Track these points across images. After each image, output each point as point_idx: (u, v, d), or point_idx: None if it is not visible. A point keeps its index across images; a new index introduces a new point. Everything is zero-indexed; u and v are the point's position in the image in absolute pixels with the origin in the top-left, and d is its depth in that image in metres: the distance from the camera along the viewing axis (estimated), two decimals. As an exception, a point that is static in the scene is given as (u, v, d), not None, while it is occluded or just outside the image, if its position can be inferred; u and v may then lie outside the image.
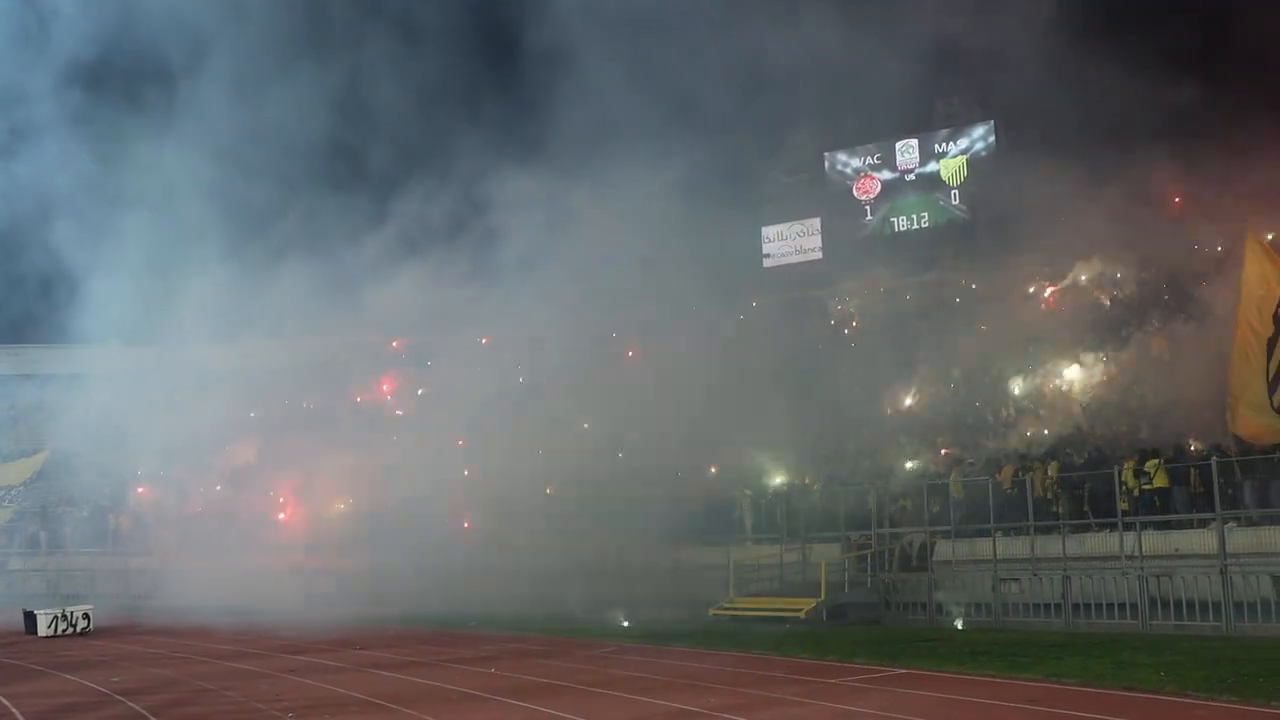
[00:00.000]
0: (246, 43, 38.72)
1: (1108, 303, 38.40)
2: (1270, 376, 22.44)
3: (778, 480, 32.79)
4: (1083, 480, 25.97)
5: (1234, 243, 30.89)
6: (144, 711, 16.54)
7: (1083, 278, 41.21)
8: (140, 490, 48.33)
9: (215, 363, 58.87)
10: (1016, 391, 34.38)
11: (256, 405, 52.37)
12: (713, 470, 34.37)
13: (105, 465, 51.20)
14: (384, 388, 51.13)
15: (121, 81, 39.66)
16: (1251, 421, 23.04)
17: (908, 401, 36.51)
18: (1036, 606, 24.63)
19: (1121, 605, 23.30)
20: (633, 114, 35.68)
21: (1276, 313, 22.53)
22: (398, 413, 45.79)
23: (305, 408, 50.77)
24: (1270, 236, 34.38)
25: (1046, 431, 31.33)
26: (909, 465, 31.59)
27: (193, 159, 39.45)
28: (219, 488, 45.44)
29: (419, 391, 48.78)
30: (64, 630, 29.79)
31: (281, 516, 40.76)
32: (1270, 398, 22.53)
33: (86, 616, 30.48)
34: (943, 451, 31.75)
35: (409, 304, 41.49)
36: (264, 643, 25.93)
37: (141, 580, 43.05)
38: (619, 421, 35.70)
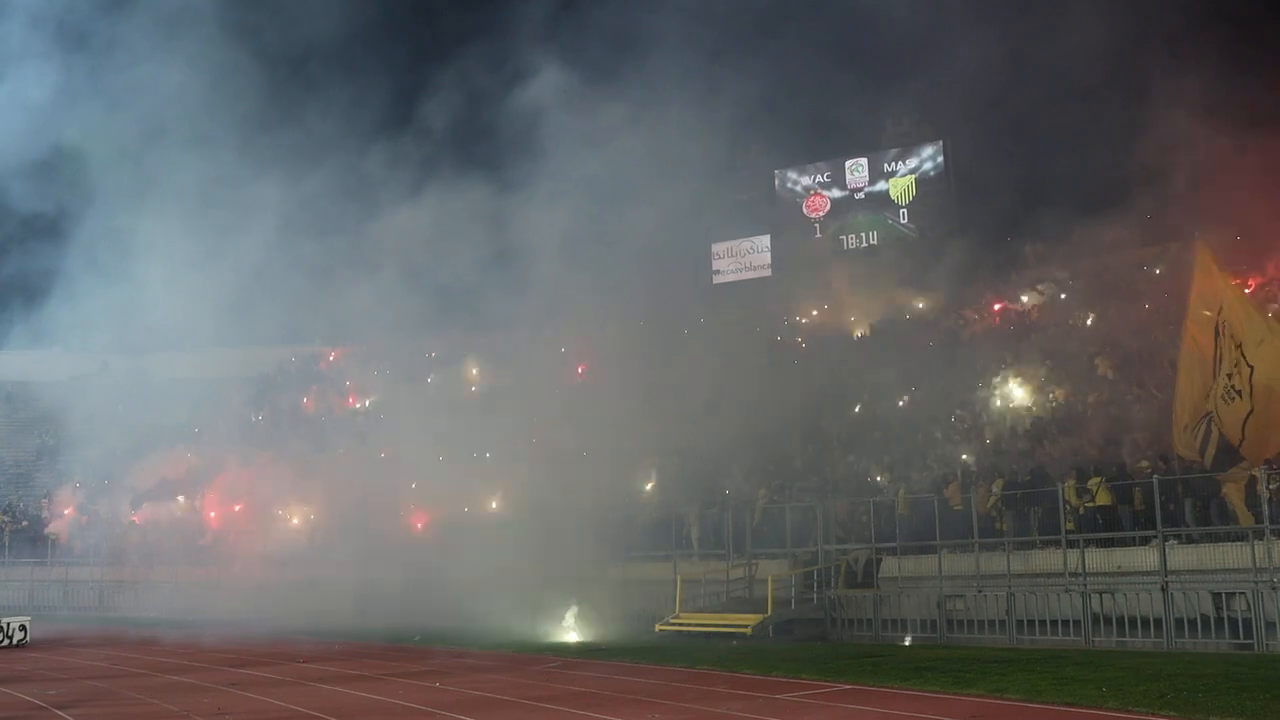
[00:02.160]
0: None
1: (1052, 322, 38.77)
2: (1209, 391, 22.54)
3: (726, 493, 32.80)
4: (1027, 498, 26.14)
5: (1177, 260, 31.32)
6: (80, 725, 16.30)
7: (1026, 298, 41.69)
8: (80, 501, 47.75)
9: (162, 372, 58.57)
10: (962, 409, 34.57)
11: (202, 415, 52.04)
12: (651, 486, 34.48)
13: (44, 474, 50.63)
14: (351, 400, 50.87)
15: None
16: (1191, 441, 23.27)
17: (855, 417, 36.67)
18: (981, 623, 24.81)
19: (1065, 622, 23.52)
20: (580, 125, 35.75)
21: (1218, 325, 22.66)
22: (348, 423, 45.53)
23: (254, 419, 50.50)
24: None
25: (988, 443, 31.63)
26: (858, 482, 31.68)
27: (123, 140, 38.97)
28: (161, 499, 44.97)
29: (365, 403, 48.62)
30: (0, 642, 29.30)
31: (224, 527, 40.37)
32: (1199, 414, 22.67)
33: (24, 628, 29.97)
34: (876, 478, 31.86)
35: (358, 313, 41.33)
36: (206, 656, 25.63)
37: (82, 592, 42.56)
38: (568, 434, 35.68)
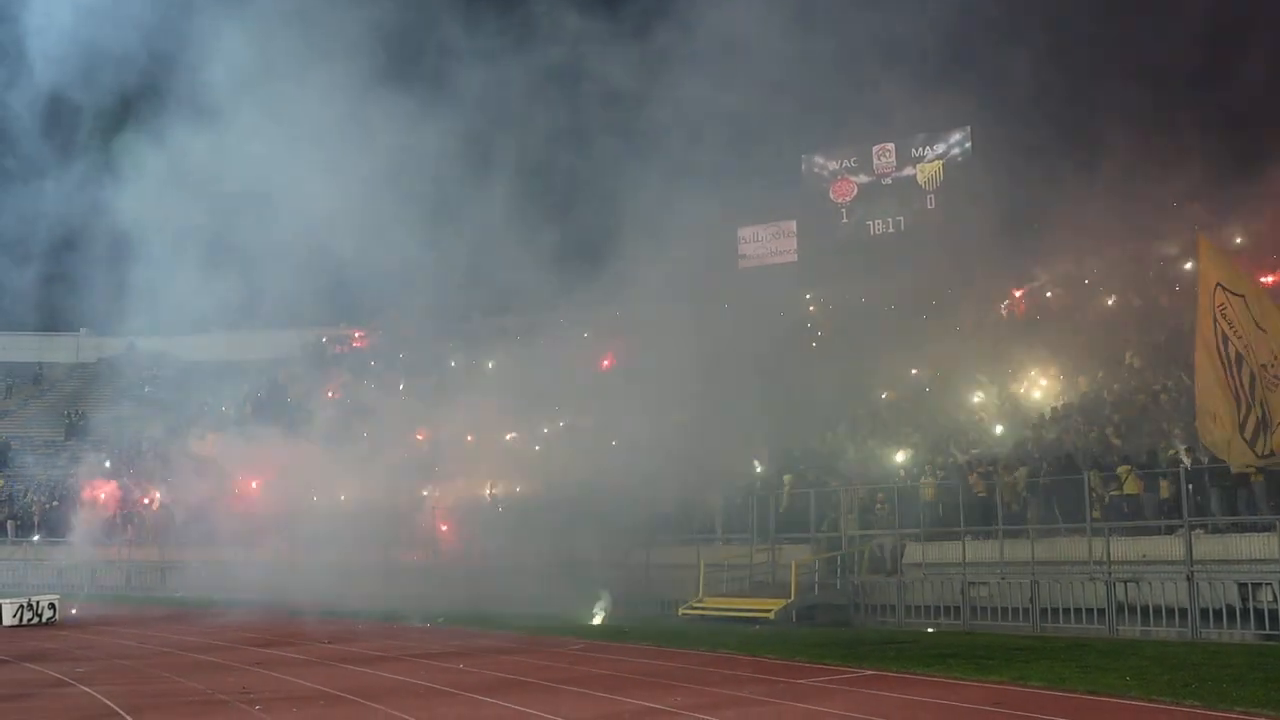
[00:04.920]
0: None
1: (1079, 309, 38.58)
2: (1239, 387, 22.22)
3: (751, 477, 32.75)
4: (1052, 485, 26.02)
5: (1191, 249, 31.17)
6: (108, 701, 16.42)
7: (1052, 284, 41.48)
8: (109, 482, 48.09)
9: (188, 354, 58.93)
10: (988, 396, 34.45)
11: (228, 397, 52.30)
12: (685, 470, 34.42)
13: (73, 455, 50.94)
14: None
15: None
16: (1213, 433, 22.95)
17: (880, 403, 36.59)
18: (1005, 610, 24.76)
19: (1089, 610, 23.45)
20: (607, 108, 35.77)
21: (1227, 315, 22.41)
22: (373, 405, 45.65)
23: (284, 400, 50.71)
24: (1239, 240, 34.74)
25: (1000, 430, 31.53)
26: (881, 467, 31.57)
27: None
28: (189, 480, 45.21)
29: (399, 386, 48.67)
30: (29, 620, 29.56)
31: (251, 509, 40.55)
32: (1238, 415, 22.23)
33: (53, 607, 30.25)
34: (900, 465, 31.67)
35: (381, 295, 41.41)
36: (231, 635, 25.80)
37: (110, 572, 42.88)
38: (594, 419, 35.74)
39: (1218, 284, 22.31)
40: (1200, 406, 22.78)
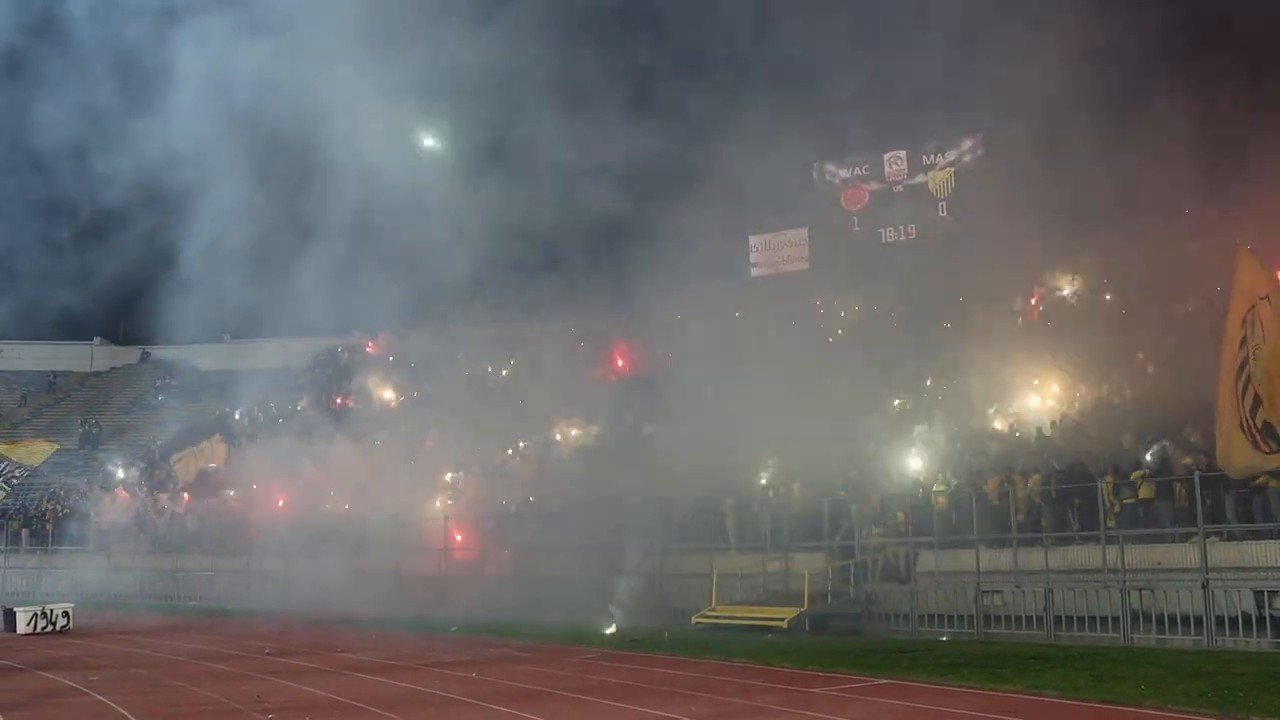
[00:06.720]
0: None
1: (1093, 314, 38.45)
2: (1241, 395, 21.81)
3: (763, 486, 32.68)
4: (1066, 493, 25.92)
5: (1220, 257, 31.01)
6: (121, 710, 16.45)
7: (1066, 290, 41.35)
8: (123, 490, 48.23)
9: (201, 362, 59.13)
10: (1001, 403, 34.34)
11: (241, 405, 52.45)
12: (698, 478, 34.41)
13: (87, 463, 51.13)
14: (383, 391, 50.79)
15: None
16: (1231, 450, 22.63)
17: (893, 411, 36.50)
18: (1019, 619, 24.61)
19: (1103, 618, 23.31)
20: (618, 116, 35.82)
21: (1250, 321, 22.07)
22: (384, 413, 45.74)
23: (294, 408, 50.83)
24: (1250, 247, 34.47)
25: (1014, 437, 31.39)
26: (895, 476, 31.47)
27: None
28: (203, 488, 45.37)
29: (414, 394, 48.77)
30: (43, 628, 29.65)
31: (264, 517, 40.64)
32: (1248, 425, 21.76)
33: (66, 615, 30.33)
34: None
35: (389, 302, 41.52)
36: (245, 644, 25.85)
37: (124, 580, 42.97)
38: (605, 428, 35.74)
39: (1259, 299, 21.95)
40: (1218, 426, 22.52)
